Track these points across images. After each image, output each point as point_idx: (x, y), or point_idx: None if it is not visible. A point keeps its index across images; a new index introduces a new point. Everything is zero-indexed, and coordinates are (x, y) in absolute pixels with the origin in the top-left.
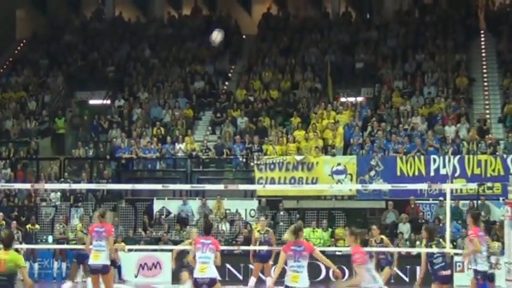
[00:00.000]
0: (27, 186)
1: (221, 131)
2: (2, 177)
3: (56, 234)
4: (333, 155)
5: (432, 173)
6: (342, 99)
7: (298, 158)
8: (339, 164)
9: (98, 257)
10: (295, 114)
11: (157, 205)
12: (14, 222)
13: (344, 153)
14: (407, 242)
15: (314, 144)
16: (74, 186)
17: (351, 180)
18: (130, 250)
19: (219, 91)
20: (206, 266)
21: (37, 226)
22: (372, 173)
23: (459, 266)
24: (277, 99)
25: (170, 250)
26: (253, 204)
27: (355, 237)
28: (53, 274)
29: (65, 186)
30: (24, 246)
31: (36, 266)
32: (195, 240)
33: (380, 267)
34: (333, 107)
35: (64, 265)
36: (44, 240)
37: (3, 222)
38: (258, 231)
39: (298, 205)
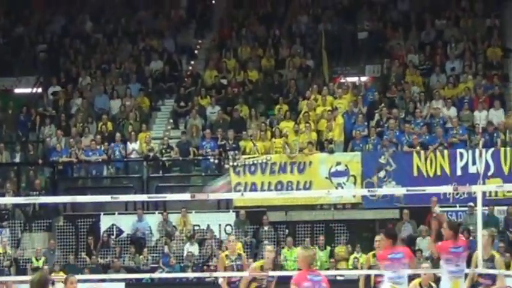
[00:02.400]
0: None
1: (186, 125)
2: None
3: None
4: (331, 151)
5: (459, 172)
6: (341, 80)
7: (287, 156)
8: (338, 164)
9: None
10: (281, 101)
11: (105, 222)
12: None
13: (345, 150)
14: (428, 261)
15: (306, 138)
16: None
17: (355, 183)
18: None
19: (182, 73)
20: None
21: None
22: (382, 173)
23: None
24: (257, 82)
25: (123, 280)
26: (230, 217)
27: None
28: None
29: None
30: None
31: None
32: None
33: None
34: (330, 90)
35: None
36: None
37: None
38: (227, 255)
39: (287, 217)
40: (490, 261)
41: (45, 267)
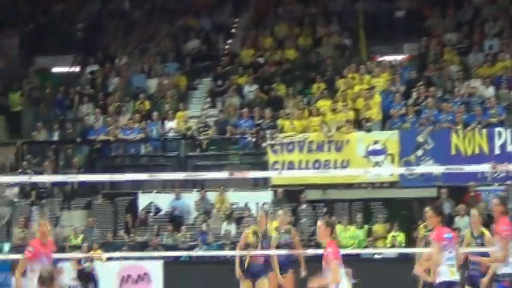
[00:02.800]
0: None
1: (223, 104)
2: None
3: (15, 241)
4: (369, 130)
5: (497, 151)
6: (379, 59)
7: (324, 135)
8: (376, 142)
9: None
10: (319, 80)
11: (143, 201)
12: None
13: (383, 128)
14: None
15: (344, 117)
16: (36, 178)
17: (393, 162)
18: (109, 259)
19: (219, 52)
20: None
21: None
22: (420, 152)
23: None
24: (294, 61)
25: (161, 258)
26: (267, 196)
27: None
28: None
29: (23, 179)
30: None
31: None
32: None
33: None
34: (367, 68)
35: (25, 280)
36: None
37: None
38: (276, 228)
39: (325, 196)
40: (479, 238)
41: (85, 244)
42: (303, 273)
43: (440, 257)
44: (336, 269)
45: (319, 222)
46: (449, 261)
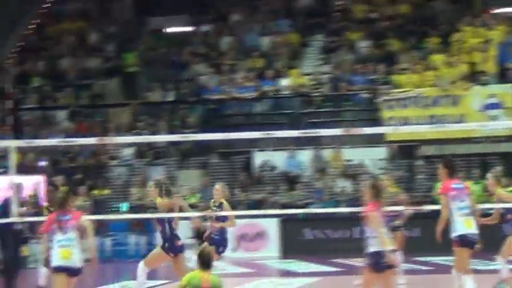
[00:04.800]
0: (93, 141)
1: (336, 60)
2: (60, 131)
3: (132, 201)
4: (485, 84)
5: None
6: (494, 11)
7: (439, 89)
8: (492, 96)
9: None
10: (433, 34)
11: (258, 159)
12: (82, 187)
13: (499, 82)
14: None
15: (459, 71)
16: (152, 138)
17: (509, 115)
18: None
19: (331, 8)
20: None
21: (107, 191)
22: None
23: None
24: (408, 15)
25: (277, 216)
26: (382, 152)
27: None
28: (129, 251)
29: (140, 139)
30: (93, 217)
31: (108, 241)
32: None
33: None
34: (482, 21)
35: (143, 239)
36: (116, 209)
37: (64, 187)
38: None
39: (441, 151)
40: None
41: (201, 203)
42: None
43: (448, 210)
44: None
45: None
46: (462, 211)
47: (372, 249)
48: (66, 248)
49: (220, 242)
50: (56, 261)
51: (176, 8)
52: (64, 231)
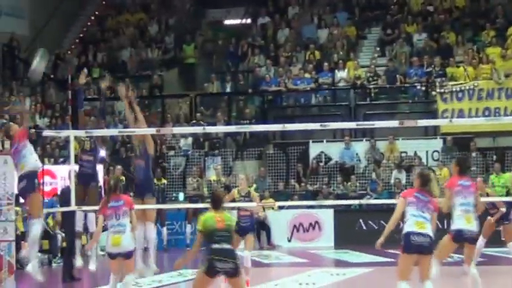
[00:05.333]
0: (151, 131)
1: (393, 52)
2: (118, 122)
3: (189, 191)
4: None
5: None
6: None
7: (495, 82)
8: None
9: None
10: (489, 27)
11: (314, 150)
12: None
13: None
14: None
15: None
16: (209, 129)
17: None
18: (280, 207)
19: (388, 1)
20: None
21: (164, 181)
22: None
23: None
24: (464, 8)
25: (332, 206)
26: (437, 144)
27: None
28: (186, 240)
29: (197, 129)
30: (150, 206)
31: (164, 230)
32: None
33: None
34: None
35: None
36: (173, 199)
37: (123, 177)
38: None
39: (496, 143)
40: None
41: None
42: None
43: (449, 203)
44: None
45: None
46: (463, 207)
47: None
48: (117, 234)
49: (250, 228)
50: (108, 248)
51: (235, 0)
52: (118, 217)
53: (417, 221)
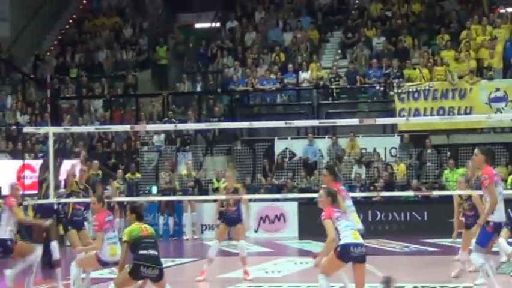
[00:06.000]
0: (126, 128)
1: (353, 55)
2: (95, 119)
3: (162, 184)
4: (491, 78)
5: None
6: (501, 10)
7: (449, 83)
8: (497, 90)
9: None
10: (443, 31)
11: (279, 146)
12: (119, 171)
13: (504, 76)
14: None
15: (467, 66)
16: (181, 126)
17: None
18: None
19: (349, 6)
20: None
21: (138, 175)
22: None
23: None
24: (420, 14)
25: (296, 199)
26: (395, 141)
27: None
28: (158, 231)
29: (169, 126)
30: (125, 198)
31: (171, 220)
32: None
33: None
34: (490, 20)
35: (171, 220)
36: (147, 192)
37: (100, 171)
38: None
39: (449, 140)
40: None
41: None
42: None
43: (498, 195)
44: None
45: None
46: (500, 196)
47: None
48: (114, 244)
49: (238, 219)
50: (106, 257)
51: (205, 5)
52: (113, 229)
53: (353, 232)
